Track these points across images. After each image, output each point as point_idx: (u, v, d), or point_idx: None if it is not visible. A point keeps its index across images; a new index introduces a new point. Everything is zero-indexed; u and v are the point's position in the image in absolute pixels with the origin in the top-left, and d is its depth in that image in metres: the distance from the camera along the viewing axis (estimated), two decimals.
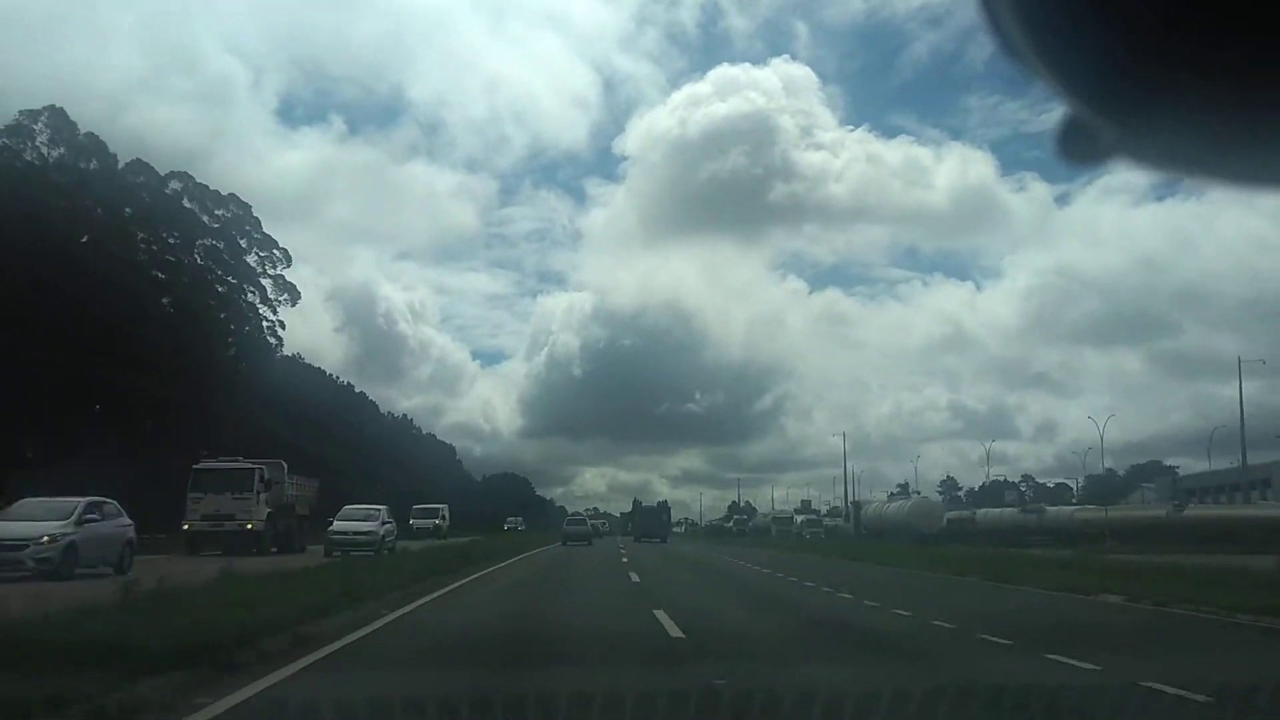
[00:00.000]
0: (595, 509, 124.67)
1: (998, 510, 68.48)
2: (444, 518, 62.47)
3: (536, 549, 43.73)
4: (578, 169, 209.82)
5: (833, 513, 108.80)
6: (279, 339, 64.16)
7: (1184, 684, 7.11)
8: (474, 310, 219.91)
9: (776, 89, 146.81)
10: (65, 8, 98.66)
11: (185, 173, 59.26)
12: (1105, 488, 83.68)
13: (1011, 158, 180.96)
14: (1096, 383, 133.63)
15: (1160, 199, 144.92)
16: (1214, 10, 1.18)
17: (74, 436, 45.89)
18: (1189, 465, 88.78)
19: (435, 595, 16.15)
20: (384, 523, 34.33)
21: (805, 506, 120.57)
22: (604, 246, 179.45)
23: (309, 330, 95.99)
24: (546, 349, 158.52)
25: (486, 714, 6.28)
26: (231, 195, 60.52)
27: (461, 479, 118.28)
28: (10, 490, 27.69)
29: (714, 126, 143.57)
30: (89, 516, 20.36)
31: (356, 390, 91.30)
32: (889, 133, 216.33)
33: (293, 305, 64.06)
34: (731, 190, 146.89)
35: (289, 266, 63.06)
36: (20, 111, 51.02)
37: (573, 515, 67.45)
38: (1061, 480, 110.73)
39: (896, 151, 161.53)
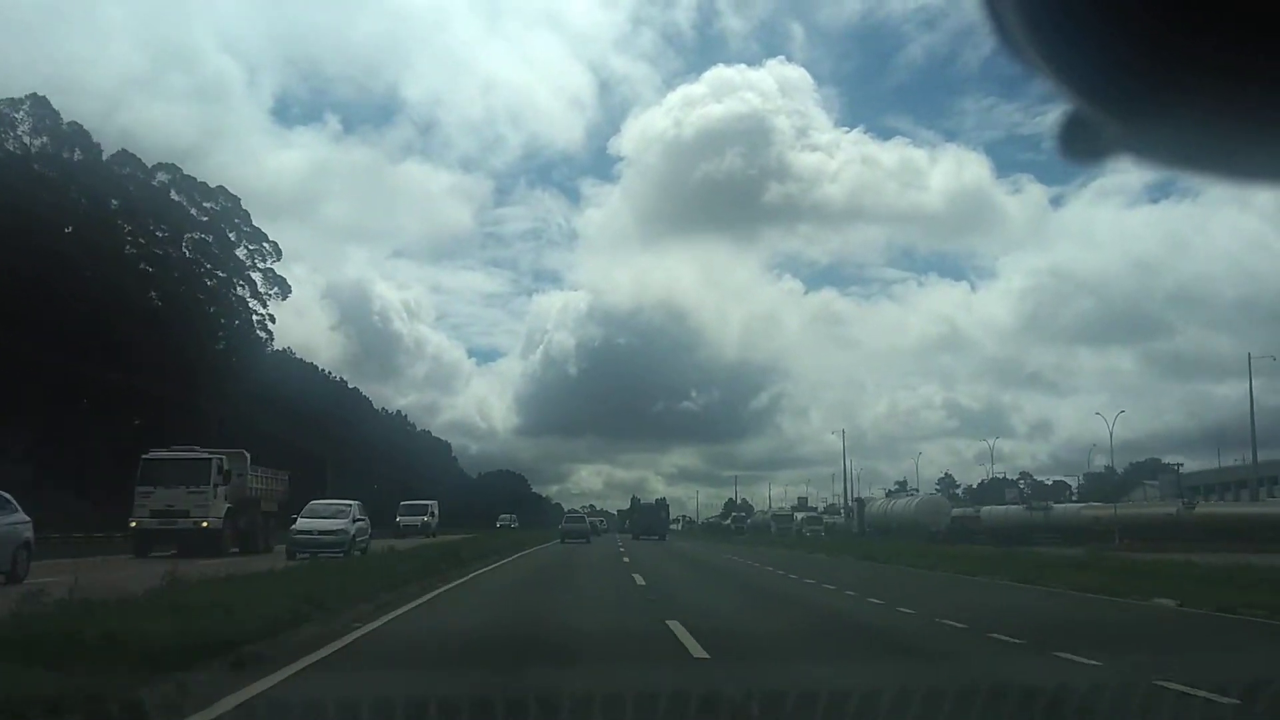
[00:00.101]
0: (592, 506, 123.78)
1: (1002, 508, 67.43)
2: (433, 514, 59.69)
3: (532, 547, 42.43)
4: (573, 169, 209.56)
5: (829, 510, 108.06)
6: (269, 333, 63.31)
7: None
8: (469, 309, 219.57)
9: (772, 90, 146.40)
10: (61, 4, 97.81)
11: (173, 164, 58.21)
12: (1104, 485, 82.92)
13: (1006, 159, 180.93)
14: (1091, 382, 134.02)
15: (1154, 201, 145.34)
16: (1216, 7, 1.19)
17: (60, 433, 44.79)
18: (1185, 463, 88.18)
19: (417, 603, 14.60)
20: (355, 520, 30.71)
21: (802, 504, 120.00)
22: (599, 246, 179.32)
23: (304, 328, 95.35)
24: (542, 347, 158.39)
25: None
26: (220, 188, 59.58)
27: (456, 476, 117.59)
28: None
29: (709, 127, 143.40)
30: None
31: (350, 386, 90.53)
32: (884, 134, 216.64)
33: (283, 299, 63.17)
34: (727, 191, 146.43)
35: (279, 260, 62.14)
36: (0, 100, 49.73)
37: (571, 513, 66.52)
38: (1060, 478, 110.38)
39: (892, 153, 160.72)
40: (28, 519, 19.35)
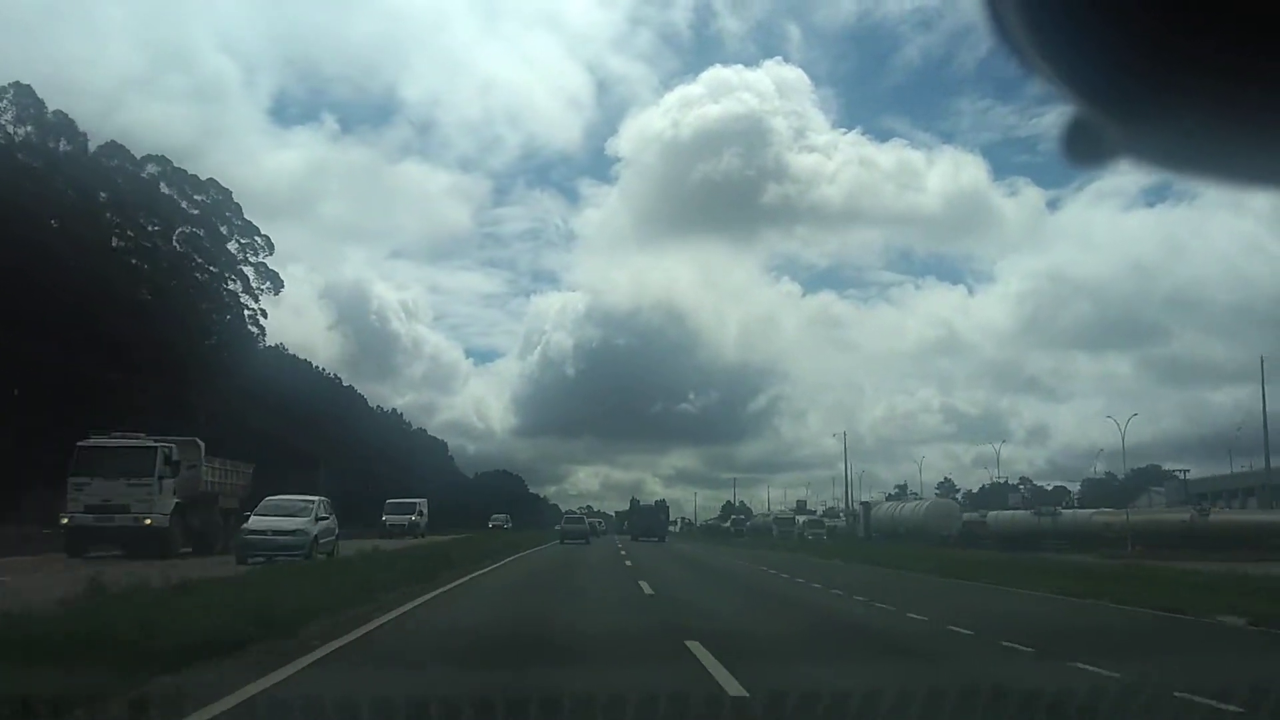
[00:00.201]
0: (589, 507, 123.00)
1: (1009, 513, 66.28)
2: (422, 514, 57.16)
3: (528, 549, 40.98)
4: (571, 169, 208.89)
5: (829, 513, 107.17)
6: (261, 329, 61.98)
7: None
8: (467, 309, 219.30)
9: (769, 91, 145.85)
10: (59, 4, 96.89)
11: (163, 156, 56.85)
12: (1105, 491, 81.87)
13: (1003, 162, 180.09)
14: (1087, 387, 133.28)
15: (1151, 204, 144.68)
16: (1217, 9, 1.18)
17: (42, 429, 43.47)
18: (1185, 469, 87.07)
19: (395, 614, 13.23)
20: (319, 518, 27.00)
21: (801, 506, 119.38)
22: (597, 247, 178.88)
23: (302, 327, 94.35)
24: (540, 348, 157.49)
25: None
26: (211, 180, 58.28)
27: (453, 475, 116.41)
28: None
29: (707, 128, 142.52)
30: None
31: (345, 384, 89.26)
32: (882, 136, 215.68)
33: (275, 294, 61.83)
34: (725, 192, 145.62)
35: (271, 254, 60.75)
36: None
37: (570, 513, 65.53)
38: (1059, 483, 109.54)
39: (889, 155, 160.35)
40: None
